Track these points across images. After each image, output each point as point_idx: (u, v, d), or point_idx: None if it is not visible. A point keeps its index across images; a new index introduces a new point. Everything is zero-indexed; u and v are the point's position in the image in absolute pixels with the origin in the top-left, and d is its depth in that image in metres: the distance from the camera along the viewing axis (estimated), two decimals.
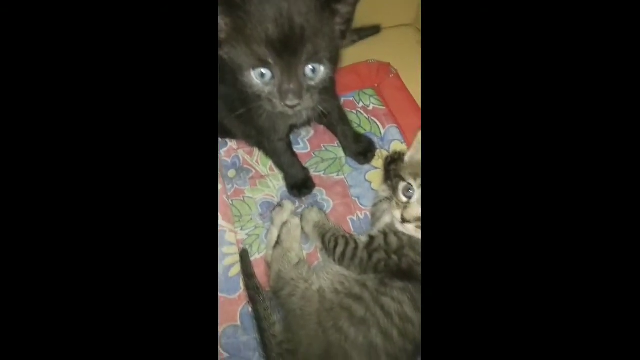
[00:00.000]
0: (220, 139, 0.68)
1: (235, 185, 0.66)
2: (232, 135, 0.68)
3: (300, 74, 0.42)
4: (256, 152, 0.68)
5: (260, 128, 0.56)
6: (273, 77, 0.43)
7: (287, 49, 0.41)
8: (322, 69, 0.44)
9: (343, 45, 0.47)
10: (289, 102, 0.43)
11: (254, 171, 0.67)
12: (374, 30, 0.76)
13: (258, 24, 0.40)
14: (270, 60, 0.41)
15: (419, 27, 0.78)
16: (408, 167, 0.52)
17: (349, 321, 0.47)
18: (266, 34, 0.40)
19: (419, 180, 0.49)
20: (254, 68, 0.42)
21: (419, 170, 0.49)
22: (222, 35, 0.43)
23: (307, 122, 0.58)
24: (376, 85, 0.71)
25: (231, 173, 0.67)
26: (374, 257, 0.50)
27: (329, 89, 0.53)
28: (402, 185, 0.50)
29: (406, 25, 0.78)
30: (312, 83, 0.44)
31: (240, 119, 0.57)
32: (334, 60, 0.45)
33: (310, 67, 0.43)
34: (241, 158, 0.68)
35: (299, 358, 0.49)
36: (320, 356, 0.47)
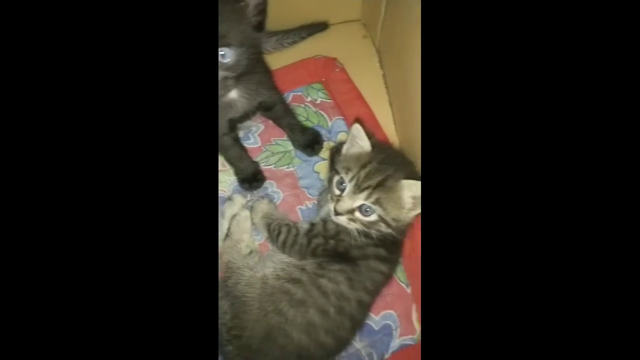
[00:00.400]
0: None
1: None
2: None
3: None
4: None
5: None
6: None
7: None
8: (231, 52, 0.47)
9: (262, 36, 0.50)
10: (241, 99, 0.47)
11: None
12: (322, 26, 0.78)
13: None
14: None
15: (365, 23, 0.81)
16: (343, 161, 0.54)
17: (289, 304, 0.49)
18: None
19: (350, 174, 0.51)
20: None
21: (351, 164, 0.52)
22: None
23: (247, 116, 0.61)
24: (324, 79, 0.73)
25: None
26: (313, 242, 0.53)
27: (264, 82, 0.56)
28: (336, 178, 0.53)
29: (352, 21, 0.81)
30: (225, 64, 0.47)
31: None
32: (247, 47, 0.48)
33: (220, 51, 0.46)
34: None
35: (243, 342, 0.51)
36: (262, 338, 0.50)
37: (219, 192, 0.67)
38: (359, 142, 0.54)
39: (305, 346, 0.49)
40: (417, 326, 0.58)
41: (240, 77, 0.49)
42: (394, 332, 0.58)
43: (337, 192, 0.52)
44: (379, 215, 0.50)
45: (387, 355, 0.57)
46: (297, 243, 0.53)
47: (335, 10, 0.79)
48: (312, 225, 0.55)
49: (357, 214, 0.51)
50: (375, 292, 0.53)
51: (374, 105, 0.71)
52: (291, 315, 0.48)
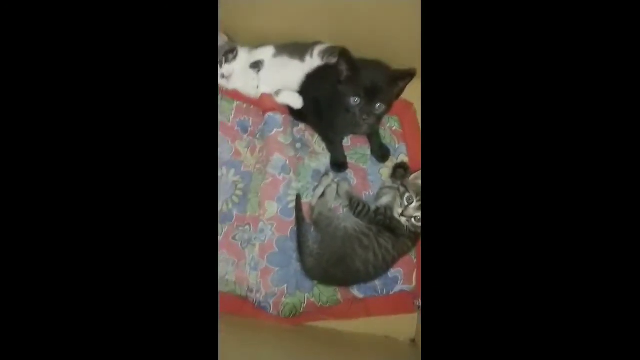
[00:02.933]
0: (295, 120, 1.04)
1: (298, 154, 1.03)
2: (304, 121, 1.04)
3: (374, 106, 0.81)
4: (315, 136, 1.05)
5: (335, 127, 0.93)
6: (360, 103, 0.80)
7: (371, 94, 0.79)
8: (383, 107, 0.82)
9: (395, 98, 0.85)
10: (364, 117, 0.82)
11: (311, 148, 1.04)
12: (410, 74, 1.12)
13: (361, 79, 0.78)
14: (362, 95, 0.79)
15: None
16: (412, 185, 0.87)
17: (358, 245, 0.87)
18: (364, 84, 0.78)
19: (418, 197, 0.84)
20: (353, 96, 0.80)
21: (418, 190, 0.85)
22: (341, 77, 0.80)
23: (364, 133, 0.96)
24: (400, 115, 1.09)
25: (297, 145, 1.04)
26: (377, 217, 0.91)
27: (381, 117, 0.91)
28: (407, 195, 0.86)
29: None
30: (376, 112, 0.82)
31: (321, 118, 0.94)
32: (389, 104, 0.83)
33: (378, 104, 0.81)
34: (306, 137, 1.05)
35: (323, 259, 0.89)
36: (336, 260, 0.88)
37: (317, 166, 1.02)
38: None
39: (359, 271, 0.88)
40: (414, 281, 0.99)
41: (378, 117, 0.85)
42: (399, 280, 0.98)
43: (406, 203, 0.86)
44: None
45: (391, 292, 0.98)
46: (368, 215, 0.91)
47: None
48: (378, 208, 0.92)
49: (414, 220, 0.86)
50: (401, 255, 0.92)
51: None
52: (358, 252, 0.87)
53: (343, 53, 0.79)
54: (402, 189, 0.89)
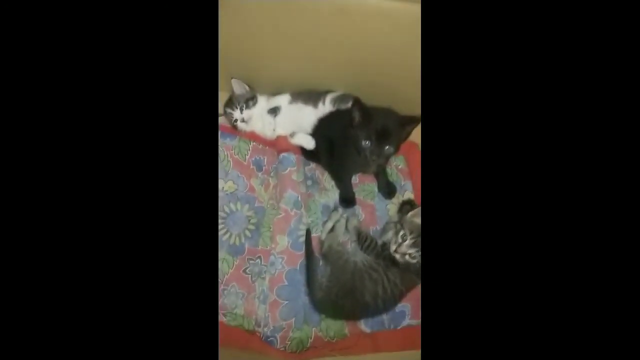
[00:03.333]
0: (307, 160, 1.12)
1: (309, 190, 1.09)
2: (315, 160, 1.11)
3: (383, 148, 0.88)
4: (325, 174, 1.12)
5: (346, 166, 1.00)
6: (371, 145, 0.88)
7: (382, 137, 0.87)
8: (392, 149, 0.89)
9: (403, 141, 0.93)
10: (374, 158, 0.89)
11: (321, 185, 1.11)
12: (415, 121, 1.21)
13: (372, 124, 0.86)
14: (373, 139, 0.87)
15: None
16: (408, 223, 0.90)
17: (368, 279, 0.90)
18: (375, 129, 0.86)
19: (411, 236, 0.87)
20: (364, 140, 0.88)
21: (413, 228, 0.89)
22: (355, 122, 0.88)
23: (372, 171, 1.03)
24: (405, 154, 1.16)
25: (308, 182, 1.10)
26: (384, 252, 0.94)
27: (389, 157, 0.98)
28: (401, 232, 0.90)
29: None
30: (385, 154, 0.90)
31: (333, 157, 1.01)
32: (398, 146, 0.90)
33: (387, 147, 0.88)
34: (317, 175, 1.12)
35: (332, 291, 0.92)
36: (345, 292, 0.90)
37: (326, 201, 1.08)
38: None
39: (368, 304, 0.90)
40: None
41: (387, 157, 0.92)
42: (406, 315, 0.99)
43: (400, 240, 0.90)
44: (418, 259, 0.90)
45: (399, 326, 0.99)
46: (376, 249, 0.95)
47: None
48: (384, 242, 0.97)
49: (407, 257, 0.90)
50: (408, 289, 0.95)
51: None
52: (367, 286, 0.90)
53: (356, 102, 0.88)
54: (398, 226, 0.92)
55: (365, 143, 0.89)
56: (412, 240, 0.89)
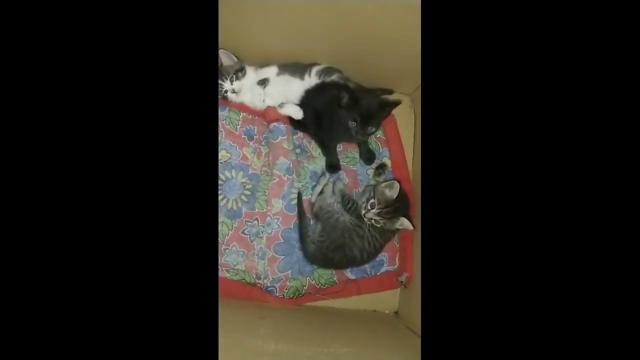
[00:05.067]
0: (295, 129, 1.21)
1: (299, 158, 1.19)
2: (303, 130, 1.20)
3: (367, 128, 1.00)
4: (312, 143, 1.22)
5: (332, 136, 1.11)
6: (356, 126, 0.99)
7: (366, 119, 0.99)
8: (374, 129, 1.02)
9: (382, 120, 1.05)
10: (359, 137, 1.01)
11: (309, 153, 1.21)
12: (389, 92, 1.31)
13: (358, 106, 0.97)
14: (358, 120, 0.98)
15: (412, 98, 1.36)
16: (379, 194, 1.01)
17: (356, 235, 1.05)
18: (360, 112, 0.97)
19: (379, 206, 0.99)
20: (351, 121, 0.99)
21: (381, 200, 0.99)
22: (342, 103, 0.98)
23: (355, 141, 1.15)
24: (383, 125, 1.28)
25: (297, 150, 1.20)
26: (365, 213, 1.09)
27: (371, 135, 1.10)
28: (371, 201, 1.01)
29: (406, 94, 1.35)
30: (369, 132, 1.02)
31: (320, 128, 1.11)
32: (378, 126, 1.04)
33: (370, 127, 1.01)
34: (304, 144, 1.22)
35: (323, 245, 1.06)
36: (335, 247, 1.05)
37: (314, 168, 1.19)
38: (393, 191, 1.02)
39: (355, 257, 1.06)
40: (397, 262, 1.18)
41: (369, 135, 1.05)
42: (385, 263, 1.18)
43: (369, 207, 1.01)
44: (382, 225, 1.04)
45: (378, 273, 1.17)
46: (357, 211, 1.09)
47: (400, 85, 1.33)
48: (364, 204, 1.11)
49: (373, 221, 1.03)
50: (386, 242, 1.11)
51: (406, 148, 1.28)
52: (355, 241, 1.05)
53: (345, 86, 0.99)
54: (371, 193, 1.04)
55: (352, 124, 1.00)
56: (379, 210, 1.02)
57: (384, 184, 1.05)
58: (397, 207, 1.02)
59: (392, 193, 1.02)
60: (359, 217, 1.08)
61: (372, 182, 1.18)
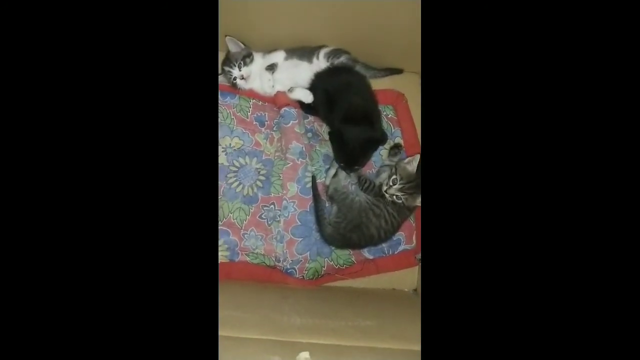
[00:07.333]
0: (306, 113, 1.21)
1: (310, 142, 1.20)
2: (313, 113, 1.21)
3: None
4: (323, 126, 1.22)
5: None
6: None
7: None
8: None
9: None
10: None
11: (321, 136, 1.22)
12: (398, 71, 1.31)
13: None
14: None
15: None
16: (401, 169, 1.02)
17: (372, 214, 1.06)
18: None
19: (401, 181, 1.00)
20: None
21: (404, 176, 1.00)
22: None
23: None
24: (395, 104, 1.28)
25: (309, 134, 1.21)
26: (381, 192, 1.10)
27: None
28: (393, 177, 1.02)
29: (416, 72, 1.34)
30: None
31: (331, 112, 1.11)
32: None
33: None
34: (316, 127, 1.22)
35: (340, 226, 1.07)
36: (353, 227, 1.06)
37: (327, 151, 1.20)
38: (413, 166, 1.03)
39: (372, 236, 1.07)
40: (414, 241, 1.19)
41: None
42: (402, 242, 1.18)
43: (391, 183, 1.03)
44: (403, 201, 1.05)
45: (396, 252, 1.18)
46: (374, 190, 1.09)
47: (409, 63, 1.32)
48: (380, 183, 1.11)
49: (395, 197, 1.04)
50: (403, 220, 1.12)
51: (418, 127, 1.27)
52: (372, 220, 1.06)
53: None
54: (392, 169, 1.06)
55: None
56: (401, 185, 1.03)
57: (405, 161, 1.05)
58: (419, 182, 1.02)
59: (413, 167, 1.02)
60: (377, 195, 1.09)
61: (387, 163, 1.18)
